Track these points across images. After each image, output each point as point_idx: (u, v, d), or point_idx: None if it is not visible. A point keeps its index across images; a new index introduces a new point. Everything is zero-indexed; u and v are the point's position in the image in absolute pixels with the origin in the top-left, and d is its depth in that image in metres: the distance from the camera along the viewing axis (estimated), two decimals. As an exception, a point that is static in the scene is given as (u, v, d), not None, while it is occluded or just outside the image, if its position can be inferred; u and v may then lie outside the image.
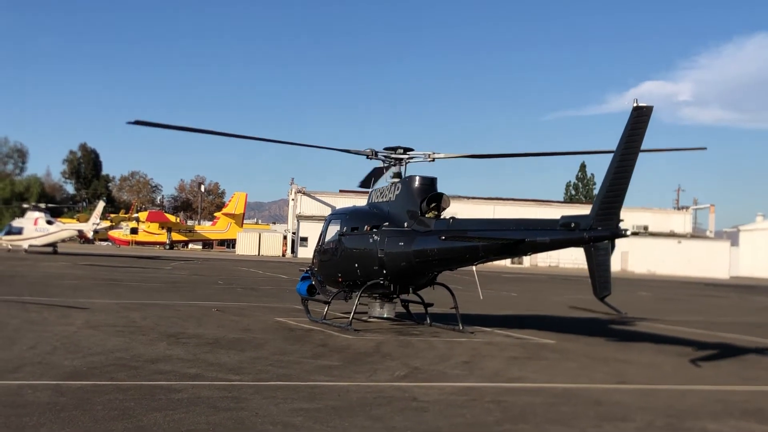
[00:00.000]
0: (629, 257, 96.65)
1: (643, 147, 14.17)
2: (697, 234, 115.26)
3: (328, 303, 19.64)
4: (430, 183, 18.83)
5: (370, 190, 20.60)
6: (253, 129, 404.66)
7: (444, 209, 18.62)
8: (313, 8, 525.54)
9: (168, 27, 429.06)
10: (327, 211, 60.12)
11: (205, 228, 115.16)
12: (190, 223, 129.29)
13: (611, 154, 14.33)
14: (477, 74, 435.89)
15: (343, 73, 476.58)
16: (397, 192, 19.09)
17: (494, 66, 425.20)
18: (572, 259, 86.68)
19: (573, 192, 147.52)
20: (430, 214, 18.32)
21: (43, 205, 70.75)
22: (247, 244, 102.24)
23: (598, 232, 14.41)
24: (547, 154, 23.12)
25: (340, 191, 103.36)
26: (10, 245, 63.57)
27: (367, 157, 19.82)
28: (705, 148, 19.29)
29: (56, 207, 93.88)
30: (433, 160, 19.49)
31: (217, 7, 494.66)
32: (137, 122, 17.28)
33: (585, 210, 15.19)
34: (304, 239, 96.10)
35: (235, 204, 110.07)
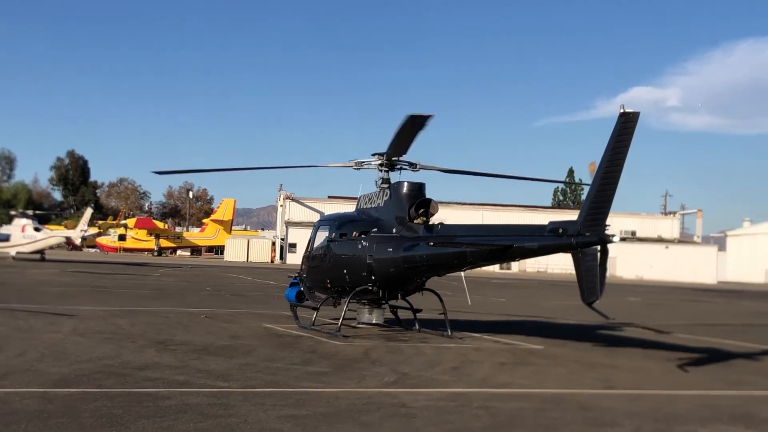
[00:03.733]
0: (617, 263, 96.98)
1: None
2: (685, 239, 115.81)
3: (316, 309, 19.64)
4: (418, 189, 18.84)
5: (358, 195, 20.62)
6: (235, 135, 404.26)
7: (432, 215, 18.64)
8: (298, 14, 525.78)
9: (155, 34, 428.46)
10: (315, 217, 59.94)
11: (194, 234, 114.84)
12: (178, 229, 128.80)
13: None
14: (470, 82, 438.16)
15: (329, 80, 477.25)
16: (385, 198, 19.08)
17: (487, 74, 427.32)
18: (561, 264, 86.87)
19: (561, 197, 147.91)
20: (418, 220, 18.33)
21: (30, 212, 70.37)
22: (235, 251, 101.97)
23: (586, 237, 14.44)
24: (529, 179, 22.99)
25: (329, 197, 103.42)
26: (-3, 252, 63.16)
27: (354, 169, 19.83)
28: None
29: (44, 214, 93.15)
30: (418, 170, 19.53)
31: (200, 14, 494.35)
32: (159, 172, 22.46)
33: (573, 215, 15.23)
34: (293, 245, 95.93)
35: (223, 210, 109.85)
